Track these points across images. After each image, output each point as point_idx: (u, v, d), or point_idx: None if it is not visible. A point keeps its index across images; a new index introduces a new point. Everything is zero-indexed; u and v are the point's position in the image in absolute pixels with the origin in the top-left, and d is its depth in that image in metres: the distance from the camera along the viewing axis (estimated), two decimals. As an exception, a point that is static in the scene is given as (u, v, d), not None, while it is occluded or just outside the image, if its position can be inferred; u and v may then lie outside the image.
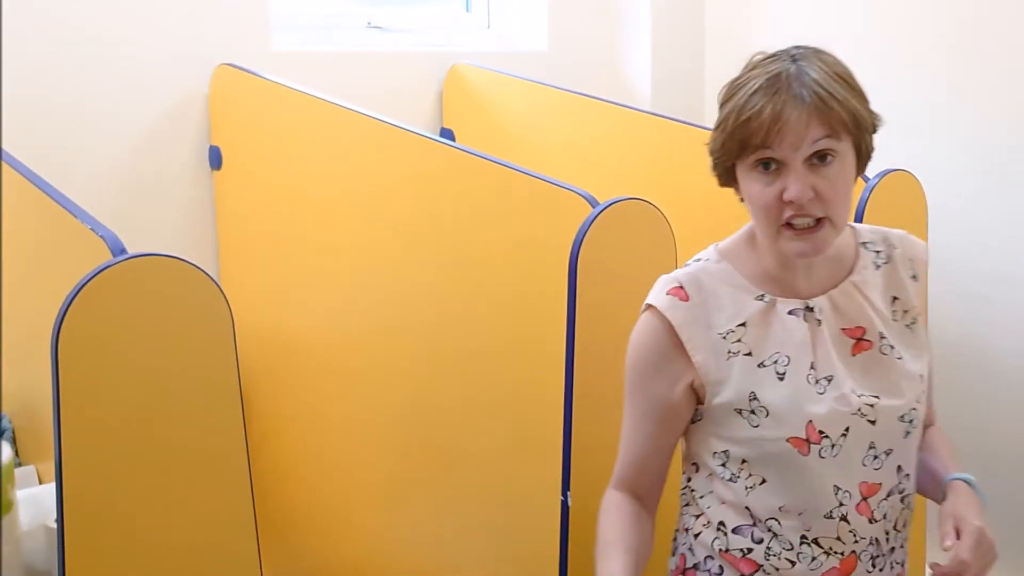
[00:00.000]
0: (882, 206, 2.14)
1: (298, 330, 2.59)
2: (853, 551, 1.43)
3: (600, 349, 1.83)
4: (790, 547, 1.44)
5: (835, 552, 1.42)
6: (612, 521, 1.50)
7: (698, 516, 1.54)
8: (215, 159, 2.79)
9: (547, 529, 1.86)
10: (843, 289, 1.46)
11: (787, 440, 1.39)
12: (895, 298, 1.50)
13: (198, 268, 1.51)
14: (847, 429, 1.40)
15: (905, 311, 1.50)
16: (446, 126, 3.09)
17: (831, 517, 1.42)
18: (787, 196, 1.36)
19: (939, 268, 2.37)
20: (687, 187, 2.52)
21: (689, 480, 1.57)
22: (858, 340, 1.44)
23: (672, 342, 1.46)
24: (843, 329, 1.45)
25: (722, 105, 1.43)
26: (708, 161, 2.54)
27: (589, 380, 1.82)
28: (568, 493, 1.81)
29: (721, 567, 1.49)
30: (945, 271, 2.65)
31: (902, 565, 1.55)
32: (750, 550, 1.45)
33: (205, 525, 1.62)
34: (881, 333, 1.45)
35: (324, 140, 2.45)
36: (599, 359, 1.83)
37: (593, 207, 1.80)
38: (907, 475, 1.50)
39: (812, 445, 1.39)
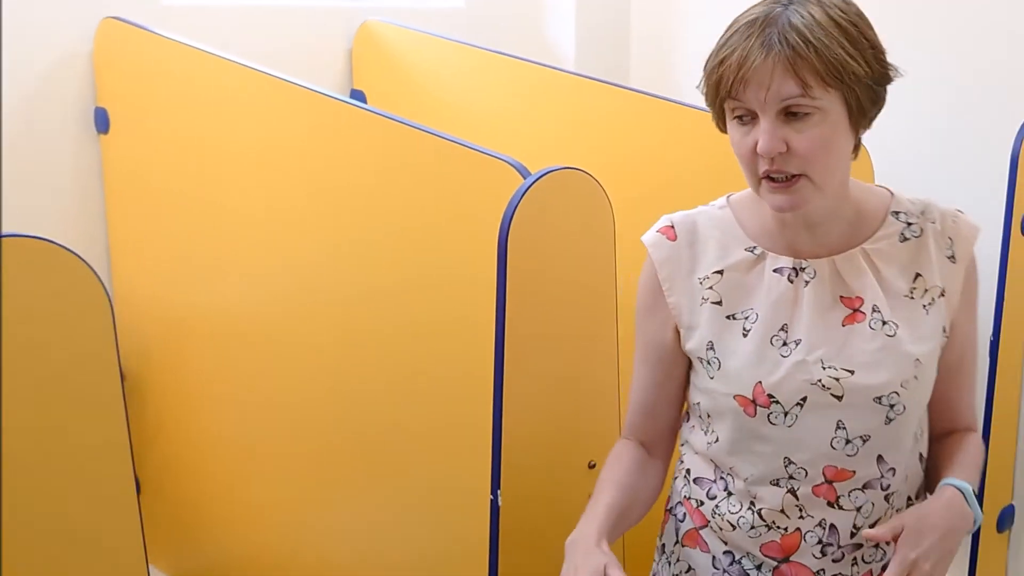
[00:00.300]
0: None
1: (198, 309, 2.44)
2: (798, 528, 1.38)
3: (534, 332, 1.76)
4: (736, 509, 1.42)
5: (777, 526, 1.39)
6: (609, 465, 1.49)
7: (681, 462, 1.56)
8: (102, 122, 2.58)
9: (476, 530, 1.78)
10: (850, 255, 1.38)
11: (734, 397, 1.37)
12: (918, 275, 1.40)
13: (69, 251, 1.33)
14: (804, 399, 1.34)
15: (926, 290, 1.39)
16: (356, 87, 2.94)
17: (777, 485, 1.38)
18: (758, 149, 1.29)
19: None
20: (617, 153, 2.45)
21: (682, 427, 1.58)
22: (854, 311, 1.37)
23: (658, 282, 1.45)
24: (841, 297, 1.37)
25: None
26: (637, 125, 2.48)
27: (522, 367, 1.74)
28: (498, 492, 1.72)
29: (685, 514, 1.51)
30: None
31: (883, 567, 1.44)
32: (702, 503, 1.46)
33: (83, 523, 1.52)
34: (876, 306, 1.37)
35: (223, 102, 2.29)
36: (533, 343, 1.76)
37: (524, 177, 1.70)
38: (892, 470, 1.40)
39: (759, 408, 1.35)
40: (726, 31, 1.32)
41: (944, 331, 1.41)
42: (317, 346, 2.16)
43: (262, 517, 2.36)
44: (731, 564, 1.45)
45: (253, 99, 2.22)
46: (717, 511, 1.44)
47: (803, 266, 1.38)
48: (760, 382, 1.36)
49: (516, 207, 1.69)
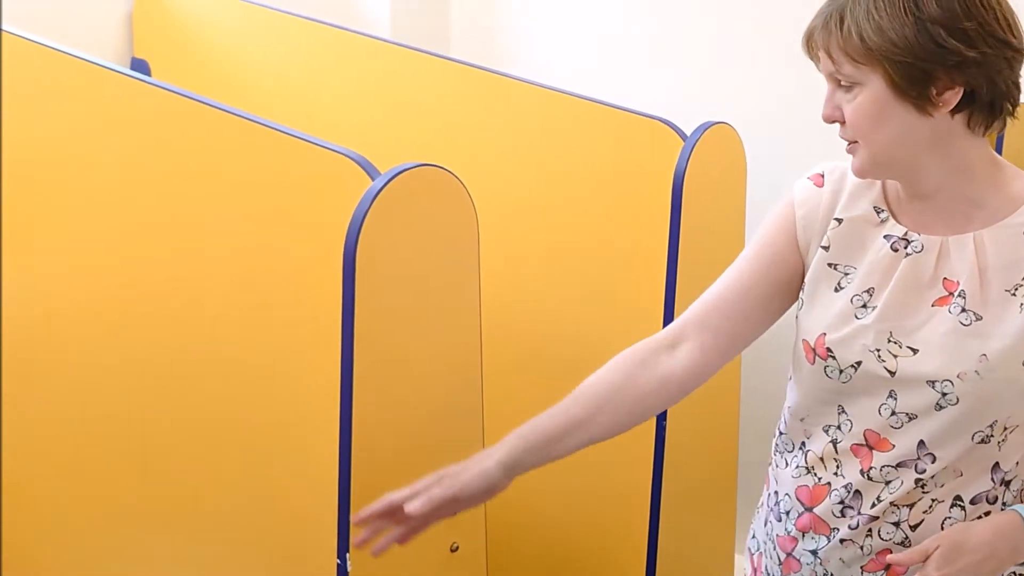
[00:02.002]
0: (704, 162, 1.97)
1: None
2: (828, 483, 1.45)
3: (388, 365, 1.58)
4: (789, 448, 1.51)
5: (813, 472, 1.47)
6: (582, 386, 1.53)
7: None
8: None
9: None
10: (962, 238, 1.41)
11: (802, 341, 1.46)
12: None
13: None
14: (859, 363, 1.41)
15: None
16: (138, 56, 2.72)
17: (826, 433, 1.46)
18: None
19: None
20: (438, 133, 2.31)
21: None
22: (948, 294, 1.41)
23: (794, 209, 1.53)
24: (945, 278, 1.41)
25: None
26: (459, 100, 2.27)
27: (372, 403, 1.56)
28: (347, 555, 1.56)
29: (776, 445, 1.60)
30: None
31: (903, 548, 1.43)
32: (778, 433, 1.56)
33: None
34: (963, 292, 1.39)
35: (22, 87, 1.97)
36: (385, 376, 1.58)
37: (373, 178, 1.51)
38: (931, 455, 1.41)
39: (818, 358, 1.43)
40: None
41: None
42: (136, 374, 1.88)
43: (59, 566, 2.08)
44: (776, 503, 1.53)
45: (33, 77, 1.93)
46: (778, 447, 1.54)
47: (912, 239, 1.43)
48: (824, 334, 1.43)
49: (365, 214, 1.47)
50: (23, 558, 2.11)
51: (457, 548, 1.67)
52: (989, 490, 1.43)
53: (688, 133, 1.98)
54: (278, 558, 1.70)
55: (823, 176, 1.52)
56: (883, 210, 1.46)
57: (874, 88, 1.36)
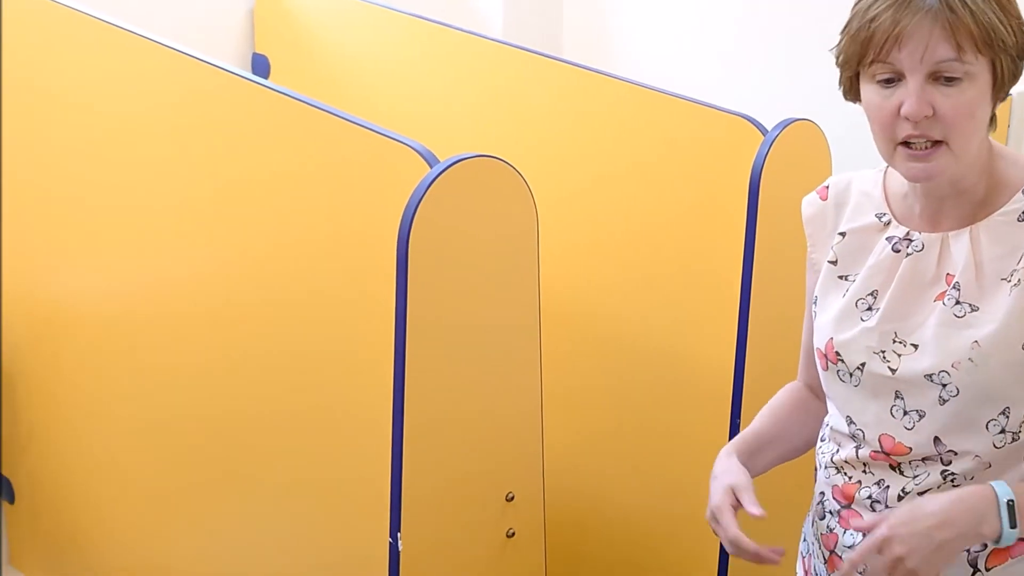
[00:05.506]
0: (784, 159, 1.93)
1: (75, 306, 2.24)
2: (859, 481, 1.46)
3: (440, 347, 1.58)
4: (827, 451, 1.51)
5: (843, 472, 1.48)
6: (771, 400, 1.61)
7: None
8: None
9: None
10: (961, 232, 1.41)
11: (816, 349, 1.49)
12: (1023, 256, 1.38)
13: None
14: (863, 364, 1.42)
15: (1019, 271, 1.37)
16: (259, 52, 2.77)
17: (852, 439, 1.47)
18: (903, 111, 1.32)
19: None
20: (547, 134, 2.29)
21: None
22: (948, 288, 1.40)
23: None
24: (948, 274, 1.41)
25: (853, 8, 1.38)
26: (570, 101, 2.27)
27: (426, 386, 1.57)
28: (399, 535, 1.58)
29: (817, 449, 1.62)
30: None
31: None
32: (820, 442, 1.56)
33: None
34: (957, 284, 1.39)
35: (104, 72, 2.06)
36: (439, 360, 1.59)
37: (431, 166, 1.54)
38: (952, 451, 1.40)
39: (830, 363, 1.46)
40: None
41: None
42: (199, 354, 1.94)
43: (132, 535, 2.18)
44: (819, 503, 1.54)
45: (131, 68, 2.00)
46: (820, 448, 1.55)
47: (913, 238, 1.43)
48: (832, 338, 1.44)
49: (419, 201, 1.50)
50: (107, 530, 2.22)
51: (513, 534, 1.69)
52: None
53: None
54: (332, 538, 1.72)
55: (828, 188, 1.52)
56: (885, 214, 1.46)
57: (982, 82, 1.33)
